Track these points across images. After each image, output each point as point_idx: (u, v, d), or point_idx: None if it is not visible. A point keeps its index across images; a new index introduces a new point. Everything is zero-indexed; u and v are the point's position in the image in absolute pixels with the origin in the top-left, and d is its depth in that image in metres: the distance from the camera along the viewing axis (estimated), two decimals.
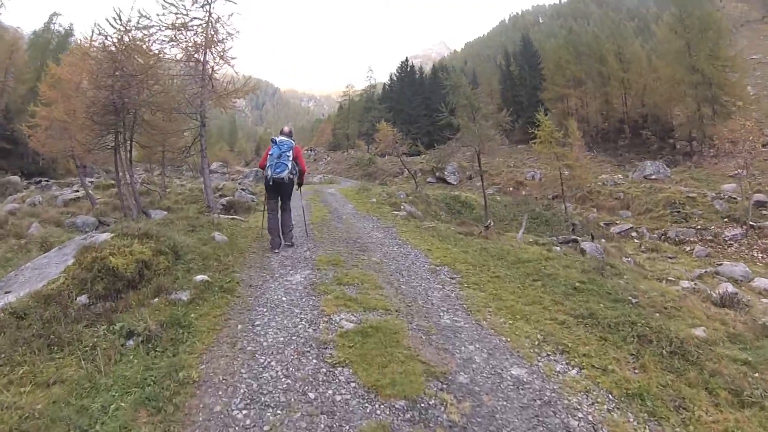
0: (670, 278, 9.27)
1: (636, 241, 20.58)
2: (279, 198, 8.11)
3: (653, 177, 31.35)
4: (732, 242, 19.20)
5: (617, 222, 23.82)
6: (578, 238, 13.51)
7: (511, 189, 34.97)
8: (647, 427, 3.47)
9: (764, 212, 20.80)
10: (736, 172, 26.42)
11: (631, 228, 22.41)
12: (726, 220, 21.22)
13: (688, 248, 19.16)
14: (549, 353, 4.51)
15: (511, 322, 5.23)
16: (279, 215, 8.18)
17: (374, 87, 77.20)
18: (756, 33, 73.20)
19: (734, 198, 23.11)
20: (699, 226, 21.06)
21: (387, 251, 8.35)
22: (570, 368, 4.24)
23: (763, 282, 12.84)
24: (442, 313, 5.41)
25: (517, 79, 64.16)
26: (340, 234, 9.71)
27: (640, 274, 8.92)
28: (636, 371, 4.29)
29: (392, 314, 5.19)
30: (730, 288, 8.46)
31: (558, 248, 10.31)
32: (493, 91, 64.71)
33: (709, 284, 11.14)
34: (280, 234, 8.21)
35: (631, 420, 3.53)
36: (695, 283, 8.99)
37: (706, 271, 14.13)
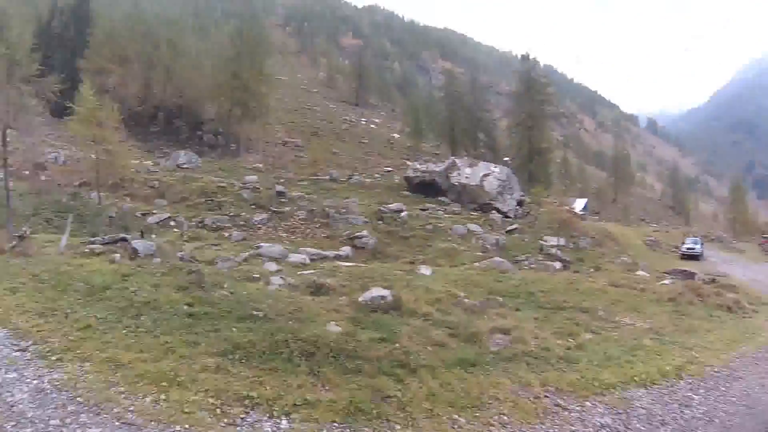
0: (254, 275, 9.60)
1: (176, 230, 20.32)
2: None
3: (186, 166, 32.11)
4: (261, 226, 21.93)
5: (154, 212, 22.57)
6: (127, 236, 12.29)
7: (27, 173, 28.48)
8: None
9: (283, 200, 24.78)
10: (255, 165, 30.19)
11: (169, 217, 21.84)
12: (253, 206, 23.88)
13: (226, 234, 20.44)
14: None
15: (166, 401, 4.01)
16: None
17: None
18: (287, 60, 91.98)
19: (258, 188, 26.24)
20: (232, 213, 22.82)
21: None
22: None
23: (297, 257, 14.81)
24: None
25: (57, 39, 52.53)
26: None
27: (229, 277, 8.89)
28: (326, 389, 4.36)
29: None
30: (317, 278, 9.42)
31: (117, 256, 9.12)
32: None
33: (254, 264, 12.26)
34: None
35: None
36: (282, 278, 9.60)
37: (250, 254, 15.24)
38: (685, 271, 22.98)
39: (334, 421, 4.12)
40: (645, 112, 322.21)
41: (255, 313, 6.29)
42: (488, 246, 23.32)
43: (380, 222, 24.00)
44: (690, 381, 7.17)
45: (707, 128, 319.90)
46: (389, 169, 43.11)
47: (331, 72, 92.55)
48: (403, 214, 25.60)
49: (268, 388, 4.46)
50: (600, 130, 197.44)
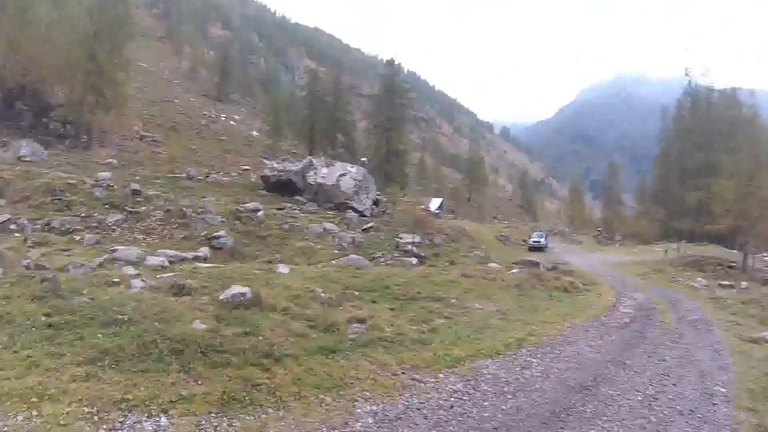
0: (114, 279, 9.14)
1: (18, 235, 17.58)
2: None
3: (28, 159, 27.85)
4: (116, 227, 20.01)
5: None
6: None
7: None
8: None
9: (139, 199, 22.88)
10: (108, 160, 27.51)
11: (9, 219, 18.63)
12: (107, 206, 21.65)
13: (77, 237, 18.22)
14: None
15: (39, 416, 3.88)
16: None
17: None
18: (150, 45, 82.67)
19: (112, 186, 23.83)
20: (83, 214, 20.41)
21: None
22: None
23: (155, 259, 14.24)
24: None
25: None
26: None
27: (88, 282, 8.48)
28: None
29: None
30: (180, 280, 9.21)
31: None
32: None
33: (111, 269, 11.69)
34: None
35: None
36: (143, 280, 9.26)
37: (105, 258, 14.35)
38: (531, 261, 26.19)
39: (211, 412, 4.39)
40: (500, 121, 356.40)
41: (119, 317, 6.21)
42: (344, 244, 24.14)
43: (237, 222, 23.62)
44: (530, 349, 8.56)
45: (553, 138, 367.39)
46: (247, 167, 42.19)
47: (195, 63, 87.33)
48: (260, 213, 25.46)
49: (142, 389, 4.55)
50: (457, 135, 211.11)
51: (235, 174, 38.52)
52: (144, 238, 18.98)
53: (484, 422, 5.27)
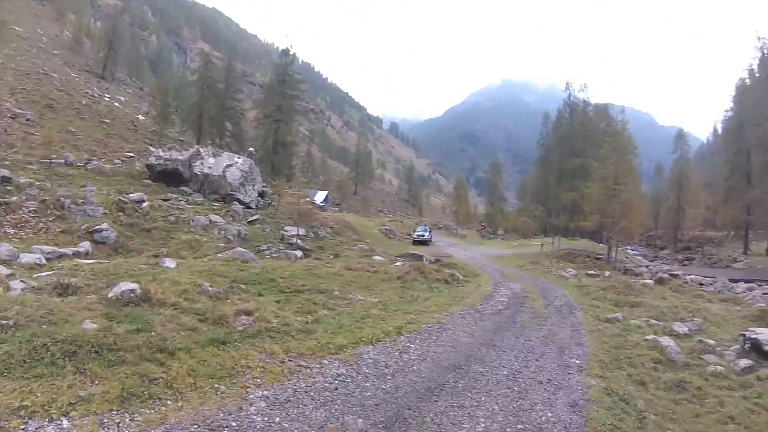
0: None
1: None
2: None
3: None
4: None
5: None
6: None
7: None
8: None
9: (9, 188, 20.23)
10: None
11: None
12: None
13: None
14: None
15: None
16: None
17: None
18: (27, 7, 74.35)
19: None
20: None
21: None
22: None
23: (29, 257, 12.96)
24: None
25: None
26: None
27: None
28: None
29: None
30: (63, 279, 8.68)
31: None
32: None
33: None
34: None
35: None
36: (23, 281, 8.65)
37: None
38: (415, 254, 27.23)
39: (112, 410, 4.52)
40: (389, 116, 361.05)
41: (3, 322, 5.94)
42: (230, 237, 23.82)
43: (121, 213, 22.24)
44: (408, 336, 9.22)
45: (440, 136, 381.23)
46: (131, 154, 39.17)
47: (79, 33, 77.14)
48: (144, 204, 24.18)
49: (39, 394, 4.51)
50: (346, 128, 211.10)
51: (119, 161, 35.68)
52: (16, 233, 17.11)
53: (366, 400, 5.89)
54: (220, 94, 55.79)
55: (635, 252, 53.88)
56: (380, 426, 5.26)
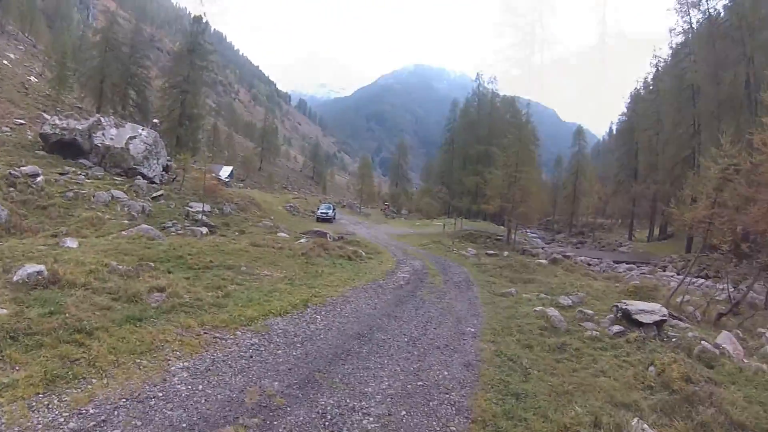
0: None
1: None
2: None
3: None
4: None
5: None
6: None
7: None
8: None
9: None
10: None
11: None
12: None
13: None
14: None
15: None
16: None
17: None
18: None
19: None
20: None
21: None
22: None
23: None
24: None
25: None
26: None
27: None
28: None
29: None
30: None
31: None
32: None
33: None
34: None
35: None
36: None
37: None
38: (319, 231, 27.21)
39: (39, 393, 4.54)
40: (298, 92, 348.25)
41: None
42: (134, 213, 22.84)
43: (12, 189, 20.59)
44: (314, 308, 9.60)
45: (348, 116, 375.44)
46: (21, 121, 35.24)
47: None
48: (39, 179, 22.47)
49: None
50: (254, 103, 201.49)
51: (7, 129, 32.06)
52: None
53: (280, 366, 6.36)
54: (125, 59, 51.07)
55: (534, 235, 57.74)
56: (294, 386, 5.76)
